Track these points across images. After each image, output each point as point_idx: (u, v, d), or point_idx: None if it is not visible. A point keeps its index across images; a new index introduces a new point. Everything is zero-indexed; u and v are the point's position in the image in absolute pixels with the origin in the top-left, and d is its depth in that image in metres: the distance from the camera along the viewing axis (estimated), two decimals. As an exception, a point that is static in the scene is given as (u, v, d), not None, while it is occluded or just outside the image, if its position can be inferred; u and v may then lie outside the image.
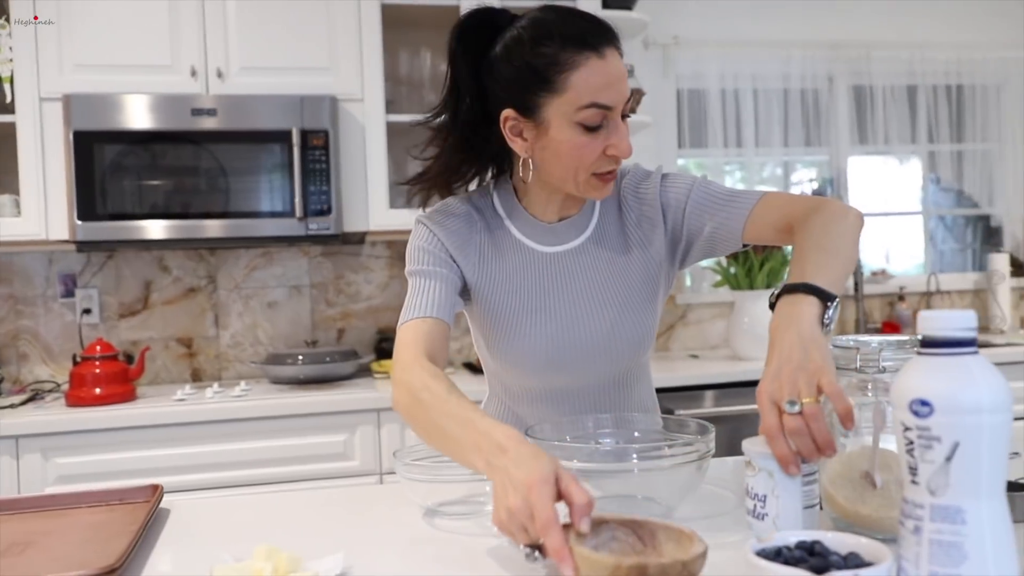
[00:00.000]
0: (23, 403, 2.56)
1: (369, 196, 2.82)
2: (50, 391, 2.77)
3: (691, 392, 2.73)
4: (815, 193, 3.53)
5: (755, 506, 0.92)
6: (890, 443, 1.02)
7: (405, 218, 2.86)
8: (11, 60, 2.56)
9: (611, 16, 3.06)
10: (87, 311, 2.91)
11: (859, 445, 1.08)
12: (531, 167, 1.28)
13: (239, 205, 2.66)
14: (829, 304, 1.03)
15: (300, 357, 2.77)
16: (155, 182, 2.61)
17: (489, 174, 1.42)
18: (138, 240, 2.60)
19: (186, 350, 3.02)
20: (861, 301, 3.51)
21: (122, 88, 2.63)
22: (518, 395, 1.45)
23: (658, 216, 1.37)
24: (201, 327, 3.03)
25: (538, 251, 1.37)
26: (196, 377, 3.02)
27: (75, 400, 2.47)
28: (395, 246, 3.19)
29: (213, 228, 2.63)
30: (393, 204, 2.88)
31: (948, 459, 0.70)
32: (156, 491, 1.26)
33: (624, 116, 1.23)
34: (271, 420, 2.47)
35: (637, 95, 3.12)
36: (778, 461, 0.92)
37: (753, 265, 2.96)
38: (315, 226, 2.70)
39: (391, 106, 2.93)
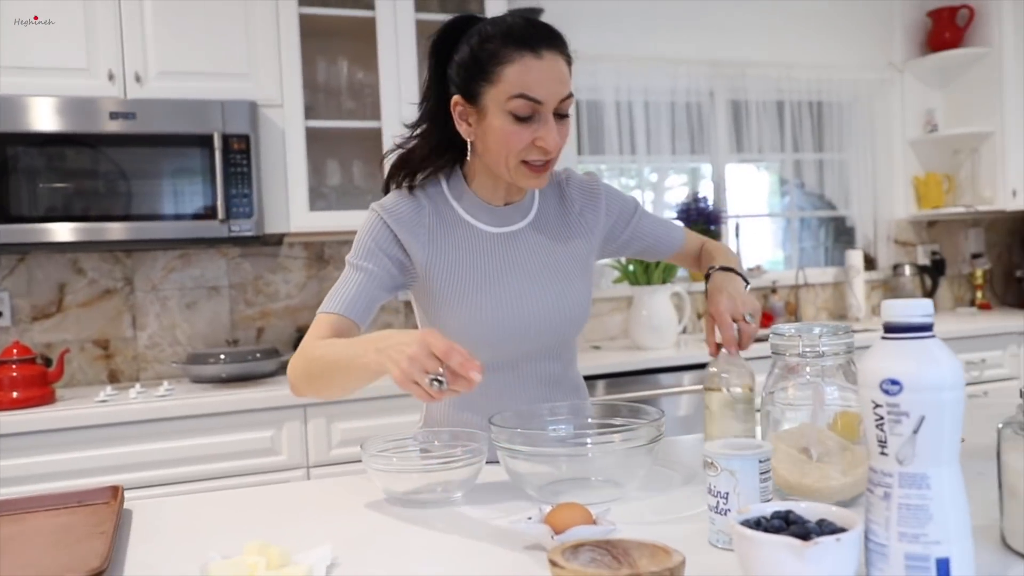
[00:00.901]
0: (-64, 409, 2.37)
1: (289, 199, 2.75)
2: (-38, 396, 2.57)
3: (597, 380, 2.78)
4: (693, 199, 3.64)
5: (718, 503, 0.93)
6: (821, 420, 1.08)
7: (325, 220, 2.81)
8: (-80, 60, 2.36)
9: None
10: (-1, 314, 2.71)
11: (797, 423, 1.13)
12: (475, 151, 1.36)
13: (161, 208, 2.54)
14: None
15: (222, 356, 2.67)
16: (71, 185, 2.46)
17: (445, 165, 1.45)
18: (58, 243, 2.45)
19: (102, 352, 2.86)
20: (742, 295, 3.65)
21: (36, 90, 2.46)
22: None
23: (601, 213, 1.51)
24: (118, 329, 2.88)
25: (484, 231, 1.42)
26: (113, 379, 2.87)
27: (-8, 404, 2.30)
28: (312, 247, 3.11)
29: (135, 230, 2.51)
30: (313, 207, 2.82)
31: (915, 431, 0.73)
32: (117, 492, 1.20)
33: (561, 115, 1.29)
34: (197, 419, 2.38)
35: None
36: (725, 345, 1.25)
37: (650, 263, 3.04)
38: (237, 228, 2.61)
39: (310, 112, 2.86)
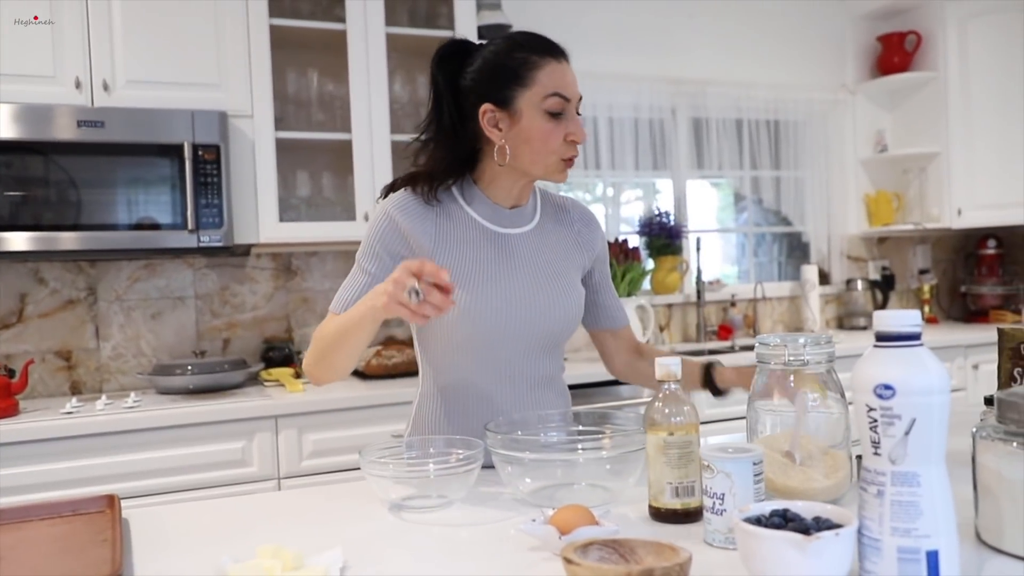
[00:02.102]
0: None
1: (259, 209, 2.74)
2: (-80, 408, 2.51)
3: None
4: (655, 214, 3.73)
5: (714, 504, 0.97)
6: (804, 426, 1.14)
7: (295, 231, 2.81)
8: None
9: (487, 46, 3.13)
10: (-42, 324, 2.66)
11: (779, 428, 1.18)
12: (506, 153, 1.42)
13: (130, 218, 2.52)
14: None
15: (189, 367, 2.66)
16: (36, 193, 2.43)
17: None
18: (22, 252, 2.41)
19: (64, 363, 2.82)
20: (702, 307, 3.74)
21: (1, 97, 2.43)
22: (454, 374, 1.50)
23: (597, 241, 1.64)
24: (80, 339, 2.84)
25: (491, 229, 1.50)
26: (75, 390, 2.83)
27: (-45, 416, 2.26)
28: (280, 258, 3.11)
29: (103, 240, 2.49)
30: (283, 218, 2.82)
31: (907, 433, 0.79)
32: (113, 502, 1.20)
33: (578, 113, 1.44)
34: (166, 430, 2.35)
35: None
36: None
37: (616, 275, 3.10)
38: (207, 238, 2.61)
39: (280, 123, 2.86)
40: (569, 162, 1.44)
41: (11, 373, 2.45)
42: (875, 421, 0.81)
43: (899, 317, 0.82)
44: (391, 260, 1.43)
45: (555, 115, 1.39)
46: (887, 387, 0.79)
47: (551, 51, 1.41)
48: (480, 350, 1.46)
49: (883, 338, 0.82)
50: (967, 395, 3.53)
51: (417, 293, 1.14)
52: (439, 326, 1.47)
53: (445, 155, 1.46)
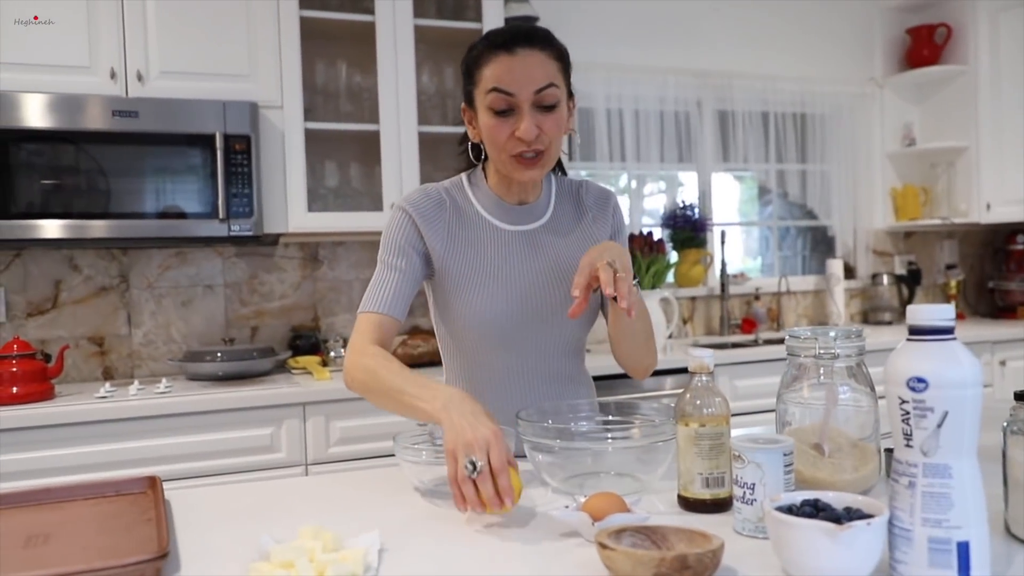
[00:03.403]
0: (-65, 403, 2.37)
1: (288, 199, 2.78)
2: (-41, 391, 2.57)
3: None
4: (680, 207, 3.73)
5: (744, 493, 0.99)
6: (834, 419, 1.15)
7: (323, 221, 2.84)
8: (-75, 55, 2.37)
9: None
10: (-6, 310, 2.72)
11: (808, 420, 1.19)
12: (482, 150, 1.46)
13: (162, 207, 2.56)
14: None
15: (219, 354, 2.70)
16: (72, 182, 2.48)
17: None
18: (56, 239, 2.46)
19: (97, 348, 2.87)
20: (726, 300, 3.74)
21: (38, 87, 2.48)
22: (475, 367, 1.52)
23: (608, 221, 1.58)
24: (113, 326, 2.89)
25: (500, 227, 1.50)
26: (108, 375, 2.88)
27: (-8, 399, 2.31)
28: (307, 247, 3.14)
29: (136, 228, 2.53)
30: (311, 208, 2.85)
31: (939, 426, 0.80)
32: (155, 483, 1.23)
33: (546, 107, 1.36)
34: (197, 416, 2.40)
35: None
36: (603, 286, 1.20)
37: (640, 268, 3.11)
38: (237, 228, 2.64)
39: (309, 114, 2.90)
40: (522, 159, 1.37)
41: (47, 358, 2.50)
42: (907, 413, 0.82)
43: (932, 311, 0.83)
44: (415, 254, 1.44)
45: (500, 112, 1.35)
46: (920, 380, 0.80)
47: (504, 45, 1.35)
48: (494, 350, 1.47)
49: (916, 331, 0.83)
50: (994, 391, 3.51)
51: (475, 467, 1.04)
52: (454, 326, 1.49)
53: (463, 152, 1.53)
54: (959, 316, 4.18)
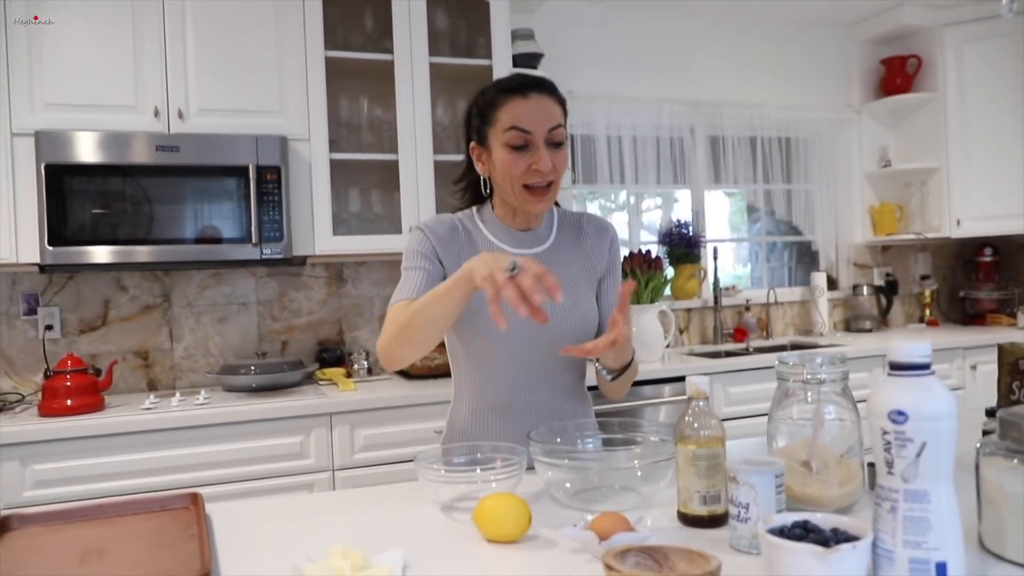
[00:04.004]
0: (-5, 415, 2.39)
1: (315, 224, 2.79)
2: (16, 403, 2.59)
3: (589, 390, 2.83)
4: (675, 224, 3.72)
5: (739, 512, 0.99)
6: (821, 437, 1.15)
7: (346, 243, 2.85)
8: (-15, 98, 2.39)
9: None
10: (49, 327, 2.73)
11: (798, 438, 1.19)
12: (492, 184, 1.50)
13: (201, 232, 2.58)
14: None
15: (253, 367, 2.71)
16: (121, 211, 2.50)
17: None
18: (105, 264, 2.48)
19: (143, 362, 2.89)
20: (719, 311, 3.74)
21: (90, 125, 2.50)
22: (478, 383, 1.52)
23: (606, 248, 1.60)
24: (156, 341, 2.91)
25: (507, 250, 1.52)
26: (152, 386, 2.90)
27: (48, 411, 2.32)
28: (332, 267, 3.16)
29: (177, 252, 2.55)
30: (335, 232, 2.86)
31: (918, 455, 0.80)
32: (197, 499, 1.24)
33: (555, 144, 1.42)
34: (233, 425, 2.40)
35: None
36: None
37: (640, 283, 3.11)
38: (268, 251, 2.66)
39: (334, 145, 2.91)
40: (534, 190, 1.42)
41: (98, 372, 2.51)
42: (889, 443, 0.82)
43: (912, 349, 0.83)
44: (437, 262, 1.47)
45: (517, 147, 1.40)
46: (900, 413, 0.81)
47: (518, 89, 1.42)
48: (499, 364, 1.48)
49: (897, 367, 0.83)
50: (966, 394, 3.49)
51: (514, 268, 1.11)
52: (461, 340, 1.51)
53: (468, 185, 1.58)
54: (932, 323, 4.17)
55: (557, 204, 1.63)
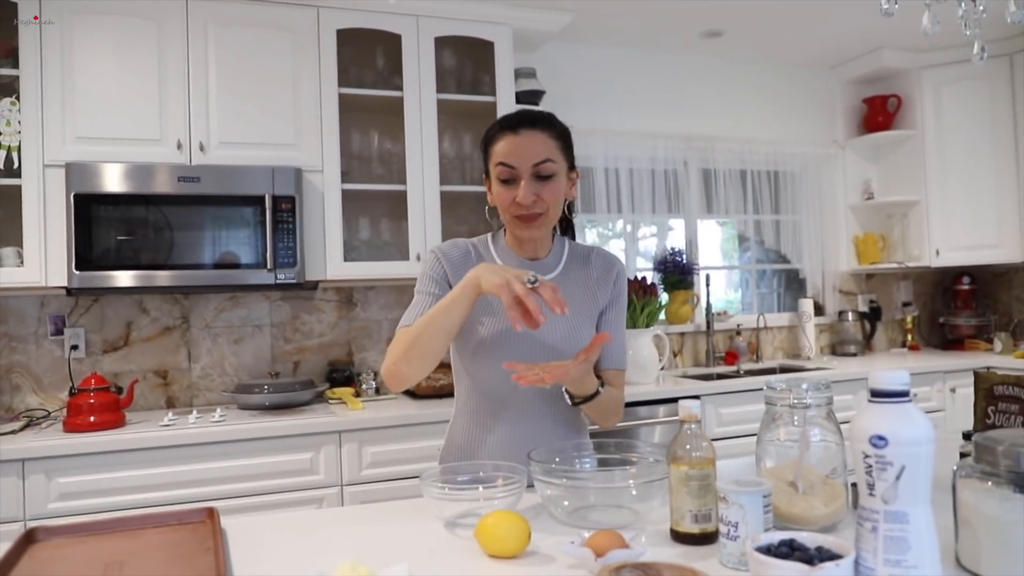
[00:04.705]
0: (21, 429, 2.39)
1: (327, 251, 2.81)
2: (43, 419, 2.59)
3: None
4: (669, 253, 3.74)
5: (728, 530, 0.99)
6: (807, 459, 1.15)
7: (357, 269, 2.87)
8: (19, 132, 2.42)
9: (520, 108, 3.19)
10: (75, 347, 2.75)
11: (785, 459, 1.20)
12: (497, 213, 1.51)
13: (219, 258, 2.60)
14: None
15: (266, 386, 2.71)
16: (144, 238, 2.52)
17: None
18: (129, 288, 2.50)
19: (162, 380, 2.89)
20: (711, 336, 3.74)
21: (117, 157, 2.53)
22: (478, 405, 1.52)
23: (611, 281, 1.57)
24: (175, 360, 2.91)
25: None
26: (170, 404, 2.90)
27: (72, 427, 2.33)
28: (343, 291, 3.17)
29: (196, 277, 2.56)
30: (346, 258, 2.88)
31: (898, 478, 0.81)
32: (212, 514, 1.24)
33: (543, 177, 1.42)
34: (247, 442, 2.40)
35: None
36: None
37: (635, 308, 3.12)
38: (282, 276, 2.67)
39: (346, 176, 2.93)
40: (522, 219, 1.44)
41: (119, 390, 2.52)
42: (870, 467, 0.83)
43: (891, 377, 0.84)
44: (447, 286, 1.47)
45: (505, 181, 1.43)
46: (880, 438, 0.81)
47: (509, 126, 1.44)
48: (498, 388, 1.48)
49: (877, 394, 0.84)
50: (945, 415, 3.49)
51: (536, 279, 1.20)
52: (468, 360, 1.50)
53: (490, 213, 1.58)
54: (914, 347, 4.17)
55: (573, 237, 1.64)
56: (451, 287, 1.48)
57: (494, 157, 1.44)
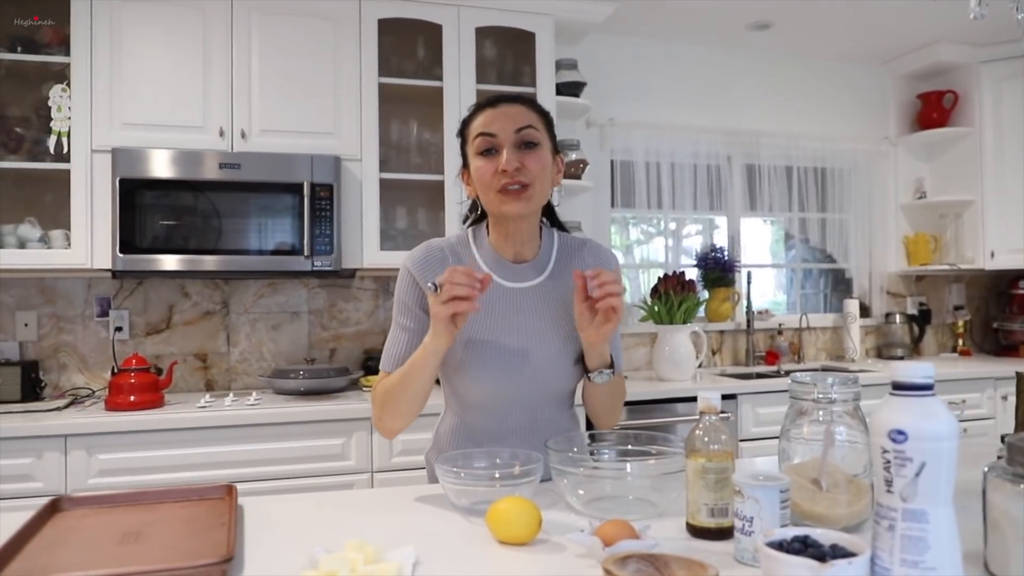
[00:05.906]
0: (66, 407, 2.46)
1: (364, 239, 2.82)
2: (87, 397, 2.67)
3: (623, 406, 2.80)
4: (711, 250, 3.67)
5: (743, 525, 0.96)
6: (831, 456, 1.11)
7: (392, 258, 2.88)
8: (69, 118, 2.49)
9: (562, 101, 3.16)
10: (119, 329, 2.82)
11: (808, 457, 1.16)
12: (479, 205, 1.43)
13: (257, 244, 2.64)
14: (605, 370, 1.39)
15: (302, 372, 2.75)
16: (186, 223, 2.57)
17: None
18: (173, 271, 2.55)
19: (201, 364, 2.95)
20: (751, 335, 3.67)
21: (162, 144, 2.59)
22: (470, 412, 1.45)
23: None
24: (215, 344, 2.97)
25: (501, 285, 1.41)
26: (209, 387, 2.96)
27: (114, 405, 2.39)
28: (380, 280, 3.19)
29: (236, 263, 2.60)
30: (383, 246, 2.90)
31: (917, 474, 0.77)
32: (231, 491, 1.25)
33: (525, 144, 1.34)
34: (280, 426, 2.44)
35: (580, 163, 3.22)
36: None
37: (673, 304, 3.07)
38: (319, 263, 2.70)
39: (384, 165, 2.95)
40: (507, 193, 1.32)
41: (159, 371, 2.58)
42: (889, 462, 0.79)
43: (914, 369, 0.80)
44: (420, 310, 1.38)
45: (485, 152, 1.34)
46: (900, 432, 0.78)
47: (489, 103, 1.37)
48: (483, 401, 1.40)
49: (898, 387, 0.81)
50: (996, 423, 3.36)
51: (436, 287, 1.20)
52: (448, 376, 1.43)
53: (475, 220, 1.50)
54: (965, 353, 4.02)
55: (565, 229, 1.54)
56: (427, 304, 1.36)
57: (472, 132, 1.36)
